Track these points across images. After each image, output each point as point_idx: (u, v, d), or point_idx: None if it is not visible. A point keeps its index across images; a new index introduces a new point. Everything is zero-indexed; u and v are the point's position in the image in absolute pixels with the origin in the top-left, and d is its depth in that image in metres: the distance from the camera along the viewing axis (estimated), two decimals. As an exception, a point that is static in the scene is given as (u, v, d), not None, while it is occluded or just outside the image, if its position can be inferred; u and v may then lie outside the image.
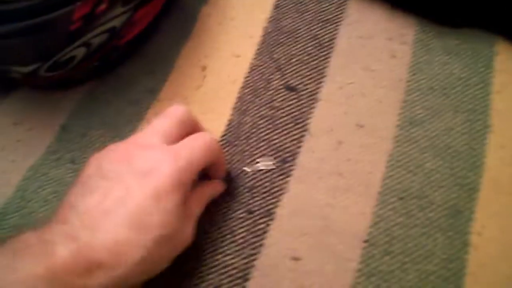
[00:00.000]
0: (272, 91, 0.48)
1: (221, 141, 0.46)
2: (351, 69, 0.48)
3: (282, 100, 0.47)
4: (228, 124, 0.47)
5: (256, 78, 0.49)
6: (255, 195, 0.43)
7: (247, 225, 0.42)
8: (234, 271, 0.40)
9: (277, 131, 0.46)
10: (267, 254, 0.40)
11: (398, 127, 0.44)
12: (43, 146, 0.48)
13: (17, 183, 0.45)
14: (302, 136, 0.45)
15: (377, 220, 0.40)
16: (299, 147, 0.44)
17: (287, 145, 0.45)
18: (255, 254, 0.40)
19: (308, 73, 0.48)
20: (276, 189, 0.43)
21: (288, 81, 0.48)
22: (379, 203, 0.41)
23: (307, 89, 0.47)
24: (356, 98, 0.46)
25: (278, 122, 0.46)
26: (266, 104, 0.47)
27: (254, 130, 0.46)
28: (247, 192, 0.43)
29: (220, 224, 0.42)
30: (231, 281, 0.39)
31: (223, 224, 0.42)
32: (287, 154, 0.44)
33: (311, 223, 0.41)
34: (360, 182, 0.42)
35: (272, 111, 0.46)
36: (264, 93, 0.48)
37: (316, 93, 0.47)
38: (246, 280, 0.39)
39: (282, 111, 0.46)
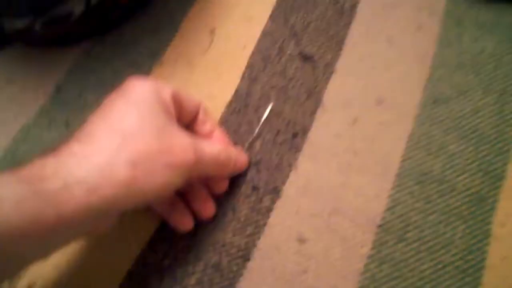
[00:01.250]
0: (286, 59, 0.45)
1: (228, 110, 0.44)
2: (373, 39, 0.46)
3: (295, 69, 0.45)
4: (236, 93, 0.45)
5: (268, 44, 0.47)
6: (261, 170, 0.41)
7: (251, 201, 0.40)
8: (234, 250, 0.38)
9: (288, 102, 0.43)
10: (271, 234, 0.39)
11: (421, 105, 0.42)
12: (36, 107, 0.46)
13: (6, 145, 0.44)
14: (316, 109, 0.43)
15: (393, 204, 0.38)
16: (311, 121, 0.42)
17: (298, 119, 0.43)
18: (257, 233, 0.39)
19: (326, 42, 0.46)
20: (284, 164, 0.41)
21: (304, 49, 0.45)
22: (396, 186, 0.39)
23: (323, 58, 0.45)
24: (376, 72, 0.44)
25: (290, 92, 0.44)
26: (278, 73, 0.45)
27: (263, 100, 0.43)
28: (253, 166, 0.41)
29: (222, 199, 0.40)
30: (230, 260, 0.38)
31: (224, 199, 0.40)
32: (298, 128, 0.42)
33: (320, 204, 0.39)
34: (376, 162, 0.40)
35: (284, 81, 0.44)
36: (277, 61, 0.46)
37: (333, 63, 0.45)
38: (247, 260, 0.38)
39: (295, 81, 0.44)
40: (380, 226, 0.38)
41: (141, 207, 0.34)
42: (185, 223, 0.38)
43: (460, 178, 0.39)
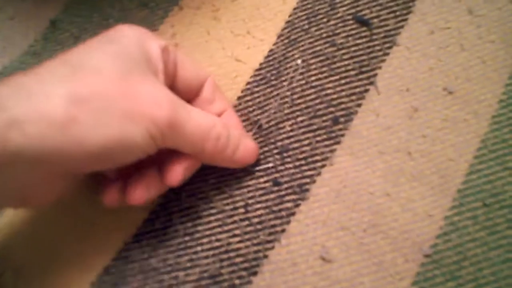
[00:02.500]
0: (336, 21, 0.37)
1: (255, 79, 0.35)
2: (450, 8, 0.37)
3: (347, 36, 0.36)
4: (268, 55, 0.38)
5: (316, -2, 0.37)
6: (286, 160, 0.34)
7: (269, 200, 0.34)
8: (240, 259, 0.32)
9: (333, 78, 0.36)
10: (288, 245, 0.33)
11: (501, 102, 0.34)
12: (25, 44, 0.39)
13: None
14: (366, 90, 0.35)
15: (449, 228, 0.31)
16: (358, 105, 0.34)
17: (343, 99, 0.35)
18: (271, 241, 0.32)
19: (390, 4, 0.36)
20: (316, 157, 0.33)
21: (361, 10, 0.36)
22: (456, 206, 0.32)
23: (384, 26, 0.36)
24: (450, 51, 0.36)
25: (337, 65, 0.36)
26: (325, 37, 0.37)
27: (302, 70, 0.34)
28: (277, 155, 0.33)
29: (233, 192, 0.34)
30: (232, 272, 0.32)
31: (236, 193, 0.34)
32: (341, 113, 0.34)
33: (355, 215, 0.32)
34: (434, 171, 0.33)
35: (332, 49, 0.36)
36: (325, 22, 0.38)
37: (396, 34, 0.36)
38: (253, 274, 0.31)
39: (344, 51, 0.37)
40: (428, 256, 0.30)
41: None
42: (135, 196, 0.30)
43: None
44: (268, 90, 0.37)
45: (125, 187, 0.30)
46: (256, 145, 0.34)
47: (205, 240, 0.33)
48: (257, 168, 0.34)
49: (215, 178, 0.34)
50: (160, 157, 0.30)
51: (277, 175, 0.34)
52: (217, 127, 0.30)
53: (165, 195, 0.34)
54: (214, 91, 0.33)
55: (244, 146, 0.33)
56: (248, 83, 0.37)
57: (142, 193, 0.29)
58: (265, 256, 0.32)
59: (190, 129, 0.28)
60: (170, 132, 0.27)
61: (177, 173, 0.30)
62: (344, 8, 0.38)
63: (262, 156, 0.34)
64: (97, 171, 0.28)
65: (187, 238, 0.33)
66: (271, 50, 0.38)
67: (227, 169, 0.34)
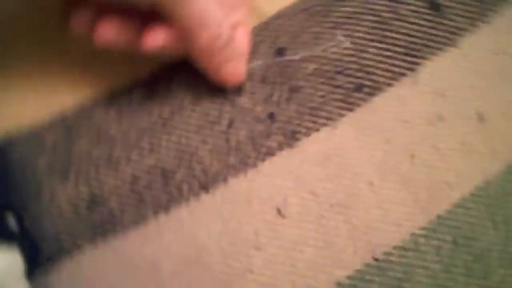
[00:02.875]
0: None
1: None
2: None
3: (413, 11, 0.35)
4: None
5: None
6: (292, 100, 0.32)
7: (256, 129, 0.32)
8: (198, 168, 0.29)
9: (378, 44, 0.33)
10: (251, 181, 0.31)
11: None
12: None
13: None
14: (403, 74, 0.33)
15: (410, 246, 0.31)
16: (389, 84, 0.33)
17: (377, 71, 0.33)
18: (237, 169, 0.30)
19: (472, 3, 0.33)
20: (322, 112, 0.32)
21: None
22: (427, 229, 0.31)
23: (453, 21, 0.34)
24: (503, 78, 0.34)
25: (388, 34, 0.34)
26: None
27: (352, 20, 0.32)
28: (285, 90, 0.31)
29: (225, 102, 0.32)
30: (186, 175, 0.29)
31: (227, 105, 0.31)
32: (368, 83, 0.33)
33: (330, 186, 0.31)
34: (427, 185, 0.31)
35: (391, 15, 0.35)
36: None
37: (460, 35, 0.35)
38: (205, 189, 0.30)
39: (402, 24, 0.34)
40: (376, 260, 0.29)
41: None
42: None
43: None
44: (307, 23, 0.33)
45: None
46: (244, 73, 0.31)
47: (175, 131, 0.30)
48: (260, 90, 0.31)
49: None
50: None
51: (275, 109, 0.31)
52: (224, 25, 0.28)
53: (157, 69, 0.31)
54: None
55: (237, 64, 0.30)
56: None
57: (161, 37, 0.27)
58: (224, 180, 0.30)
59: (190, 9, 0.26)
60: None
61: (157, 36, 0.27)
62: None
63: (269, 89, 0.32)
64: None
65: (159, 121, 0.30)
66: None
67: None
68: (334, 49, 0.33)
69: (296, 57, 0.32)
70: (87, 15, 0.28)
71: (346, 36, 0.33)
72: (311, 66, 0.32)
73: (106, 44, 0.27)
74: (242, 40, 0.30)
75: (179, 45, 0.28)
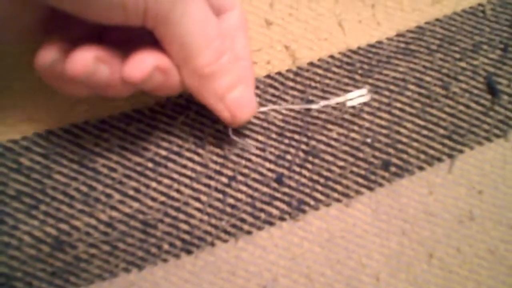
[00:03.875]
0: (466, 65, 0.32)
1: (345, 58, 0.29)
2: None
3: (465, 90, 0.32)
4: (376, 42, 0.31)
5: None
6: (306, 166, 0.29)
7: (259, 191, 0.28)
8: (183, 227, 0.26)
9: (417, 120, 0.30)
10: (241, 250, 0.28)
11: None
12: None
13: None
14: (439, 159, 0.30)
15: None
16: (420, 168, 0.29)
17: (409, 150, 0.29)
18: (228, 234, 0.28)
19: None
20: (338, 186, 0.29)
21: (501, 76, 0.31)
22: None
23: (509, 110, 0.28)
24: None
25: (431, 111, 0.30)
26: (443, 73, 0.31)
27: (396, 84, 0.27)
28: (303, 152, 0.29)
29: (230, 155, 0.28)
30: (168, 234, 0.27)
31: (232, 158, 0.28)
32: (397, 162, 0.30)
33: (329, 273, 0.28)
34: None
35: (439, 90, 0.32)
36: (454, 59, 0.31)
37: None
38: (187, 251, 0.26)
39: (450, 102, 0.32)
40: None
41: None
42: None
43: None
44: (343, 80, 0.29)
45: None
46: (255, 105, 0.27)
47: (166, 180, 0.27)
48: (271, 150, 0.28)
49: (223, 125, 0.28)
50: None
51: (285, 172, 0.28)
52: (225, 42, 0.25)
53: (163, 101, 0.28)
54: (237, 28, 0.27)
55: (245, 92, 0.26)
56: (324, 60, 0.30)
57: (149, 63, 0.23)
58: (212, 244, 0.26)
59: (185, 26, 0.23)
60: (153, 22, 0.23)
61: (143, 63, 0.23)
62: (486, 61, 0.31)
63: (284, 145, 0.28)
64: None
65: (150, 164, 0.27)
66: (379, 42, 0.30)
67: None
68: (364, 111, 0.29)
69: (320, 112, 0.28)
70: (59, 45, 0.24)
71: (386, 104, 0.29)
72: (337, 130, 0.28)
73: (82, 75, 0.23)
74: (246, 70, 0.27)
75: (169, 76, 0.25)
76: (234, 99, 0.26)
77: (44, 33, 0.25)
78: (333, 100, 0.28)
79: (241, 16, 0.28)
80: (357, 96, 0.28)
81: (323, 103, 0.28)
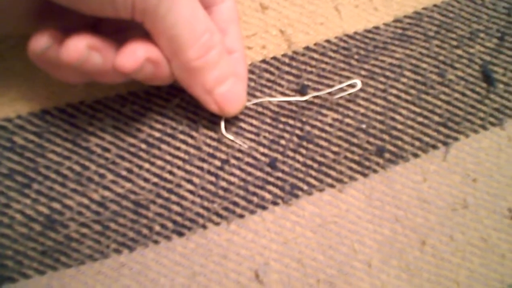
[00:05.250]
0: (463, 53, 0.32)
1: (341, 40, 0.28)
2: None
3: (461, 78, 0.32)
4: (373, 28, 0.31)
5: None
6: (300, 151, 0.28)
7: (252, 175, 0.28)
8: (176, 209, 0.26)
9: (413, 107, 0.30)
10: (233, 234, 0.28)
11: None
12: None
13: None
14: (434, 147, 0.30)
15: None
16: (415, 155, 0.29)
17: (404, 137, 0.29)
18: (220, 216, 0.28)
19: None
20: (332, 172, 0.29)
21: (496, 65, 0.31)
22: None
23: (505, 98, 0.31)
24: None
25: (427, 97, 0.30)
26: (439, 60, 0.31)
27: (392, 69, 0.27)
28: (297, 138, 0.29)
29: (223, 138, 0.28)
30: (160, 215, 0.26)
31: (225, 142, 0.28)
32: (391, 148, 0.29)
33: (321, 258, 0.28)
34: (434, 282, 0.27)
35: (436, 77, 0.32)
36: (450, 46, 0.31)
37: (510, 116, 0.28)
38: (179, 233, 0.27)
39: (446, 90, 0.31)
40: None
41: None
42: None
43: None
44: (340, 65, 0.29)
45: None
46: (245, 98, 0.28)
47: (159, 162, 0.27)
48: (265, 135, 0.28)
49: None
50: None
51: (279, 156, 0.28)
52: (214, 37, 0.25)
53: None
54: (229, 20, 0.27)
55: (234, 86, 0.27)
56: (320, 44, 0.30)
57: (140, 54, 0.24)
58: (204, 226, 0.26)
59: (172, 21, 0.23)
60: (141, 16, 0.23)
61: (134, 54, 0.24)
62: (482, 49, 0.30)
63: (278, 130, 0.28)
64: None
65: (143, 145, 0.27)
66: (376, 27, 0.30)
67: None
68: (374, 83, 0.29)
69: (304, 98, 0.28)
70: (52, 33, 0.24)
71: (381, 90, 0.29)
72: (332, 115, 0.28)
73: (75, 61, 0.23)
74: (241, 69, 0.28)
75: (160, 68, 0.25)
76: (223, 93, 0.26)
77: (39, 23, 0.25)
78: (323, 92, 0.28)
79: (233, 8, 0.28)
80: (346, 85, 0.29)
81: (312, 94, 0.28)
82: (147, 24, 0.24)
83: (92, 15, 0.23)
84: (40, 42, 0.23)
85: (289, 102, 0.29)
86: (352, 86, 0.28)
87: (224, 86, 0.26)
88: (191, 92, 0.26)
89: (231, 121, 0.28)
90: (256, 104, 0.29)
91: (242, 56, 0.28)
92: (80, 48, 0.23)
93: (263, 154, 0.28)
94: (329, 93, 0.29)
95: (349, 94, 0.29)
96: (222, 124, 0.27)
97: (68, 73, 0.25)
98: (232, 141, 0.28)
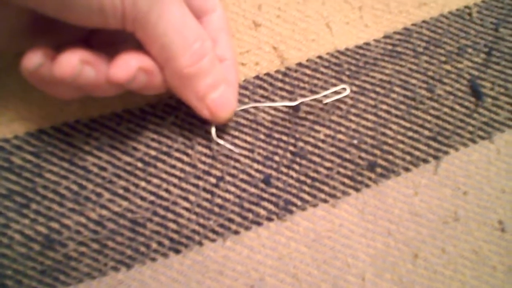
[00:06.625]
0: (452, 69, 0.33)
1: (332, 62, 0.29)
2: None
3: (450, 93, 0.32)
4: (364, 44, 0.31)
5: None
6: (294, 167, 0.29)
7: (247, 192, 0.28)
8: (172, 226, 0.27)
9: (403, 122, 0.31)
10: (229, 250, 0.28)
11: None
12: None
13: None
14: (425, 161, 0.30)
15: None
16: (406, 169, 0.30)
17: (395, 152, 0.30)
18: (216, 233, 0.28)
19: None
20: (325, 187, 0.29)
21: (484, 79, 0.32)
22: None
23: (493, 113, 0.32)
24: None
25: (417, 113, 0.31)
26: (428, 76, 0.32)
27: (381, 87, 0.28)
28: (290, 154, 0.29)
29: (219, 156, 0.29)
30: (157, 233, 0.27)
31: (221, 159, 0.29)
32: (383, 163, 0.30)
33: (316, 272, 0.28)
34: None
35: (425, 92, 0.32)
36: (440, 61, 0.32)
37: (499, 130, 0.32)
38: (175, 250, 0.27)
39: (436, 105, 0.31)
40: None
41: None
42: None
43: None
44: (331, 80, 0.30)
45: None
46: (236, 104, 0.28)
47: (155, 180, 0.27)
48: (259, 151, 0.28)
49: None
50: None
51: (273, 173, 0.28)
52: (205, 44, 0.26)
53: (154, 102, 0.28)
54: (220, 29, 0.28)
55: (225, 93, 0.27)
56: (312, 60, 0.31)
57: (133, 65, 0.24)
58: (200, 243, 0.27)
59: (163, 28, 0.24)
60: (132, 25, 0.24)
61: (127, 65, 0.24)
62: (470, 64, 0.31)
63: (272, 146, 0.28)
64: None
65: (139, 164, 0.27)
66: (367, 43, 0.31)
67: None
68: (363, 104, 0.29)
69: (307, 114, 0.29)
70: (44, 50, 0.24)
71: (372, 106, 0.29)
72: (324, 132, 0.29)
73: (68, 76, 0.24)
74: (232, 76, 0.28)
75: (153, 76, 0.26)
76: (214, 99, 0.27)
77: (31, 38, 0.26)
78: (310, 97, 0.29)
79: (223, 17, 0.29)
80: (334, 92, 0.29)
81: (300, 100, 0.29)
82: (138, 33, 0.24)
83: (81, 26, 0.24)
84: (33, 59, 0.24)
85: (283, 119, 0.29)
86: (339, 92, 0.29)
87: (216, 93, 0.27)
88: (184, 98, 0.27)
89: (225, 138, 0.29)
90: (250, 120, 0.29)
91: (233, 63, 0.29)
92: (73, 63, 0.23)
93: (257, 170, 0.28)
94: (319, 101, 0.29)
95: (341, 109, 0.30)
96: (213, 130, 0.28)
97: (62, 89, 0.25)
98: (223, 146, 0.28)
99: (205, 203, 0.28)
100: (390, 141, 0.29)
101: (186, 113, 0.29)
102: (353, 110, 0.30)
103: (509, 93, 0.31)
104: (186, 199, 0.28)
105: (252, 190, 0.28)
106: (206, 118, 0.27)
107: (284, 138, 0.29)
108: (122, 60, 0.24)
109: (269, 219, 0.28)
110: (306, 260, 0.27)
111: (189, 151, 0.28)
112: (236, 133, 0.29)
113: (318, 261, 0.27)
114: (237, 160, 0.28)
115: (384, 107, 0.30)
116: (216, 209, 0.28)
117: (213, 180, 0.28)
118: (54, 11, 0.23)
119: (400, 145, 0.29)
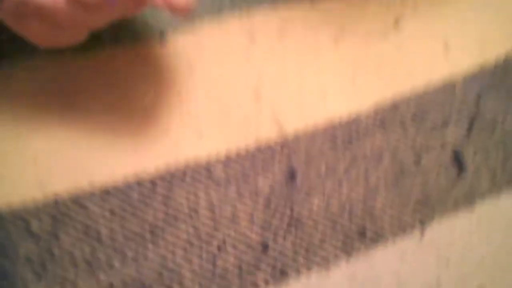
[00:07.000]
0: (436, 140, 0.33)
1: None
2: None
3: (434, 162, 0.34)
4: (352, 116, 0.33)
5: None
6: (289, 233, 0.30)
7: (246, 255, 0.30)
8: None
9: (392, 189, 0.33)
10: None
11: None
12: None
13: None
14: (411, 226, 0.32)
15: None
16: (394, 234, 0.31)
17: (384, 218, 0.32)
18: None
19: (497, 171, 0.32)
20: (316, 258, 0.30)
21: (465, 152, 0.31)
22: None
23: (473, 186, 0.32)
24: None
25: (404, 181, 0.33)
26: (416, 145, 0.34)
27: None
28: (288, 218, 0.31)
29: (221, 220, 0.31)
30: None
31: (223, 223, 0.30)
32: (373, 227, 0.31)
33: None
34: None
35: (412, 161, 0.33)
36: (430, 128, 0.34)
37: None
38: None
39: (421, 175, 0.33)
40: None
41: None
42: None
43: None
44: (326, 151, 0.32)
45: None
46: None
47: (163, 243, 0.30)
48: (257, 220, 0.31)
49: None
50: None
51: (271, 239, 0.30)
52: None
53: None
54: None
55: None
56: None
57: None
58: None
59: None
60: None
61: None
62: (456, 136, 0.33)
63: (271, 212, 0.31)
64: None
65: (150, 228, 0.30)
66: (359, 114, 0.33)
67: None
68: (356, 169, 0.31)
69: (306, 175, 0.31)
70: None
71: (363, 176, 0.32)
72: (317, 202, 0.31)
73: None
74: None
75: None
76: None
77: None
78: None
79: None
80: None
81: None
82: None
83: None
84: None
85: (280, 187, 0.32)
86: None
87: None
88: None
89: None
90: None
91: None
92: None
93: (256, 237, 0.31)
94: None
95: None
96: None
97: (32, 26, 0.26)
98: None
99: (208, 267, 0.30)
100: (379, 206, 0.32)
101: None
102: (345, 183, 0.32)
103: (489, 163, 0.33)
104: (190, 262, 0.29)
105: (251, 256, 0.30)
106: (163, 8, 0.26)
107: (281, 208, 0.31)
108: None
109: (266, 285, 0.30)
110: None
111: (190, 221, 0.31)
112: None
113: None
114: (236, 229, 0.31)
115: (374, 175, 0.32)
116: (218, 275, 0.29)
117: (216, 244, 0.30)
118: None
119: (389, 211, 0.32)
